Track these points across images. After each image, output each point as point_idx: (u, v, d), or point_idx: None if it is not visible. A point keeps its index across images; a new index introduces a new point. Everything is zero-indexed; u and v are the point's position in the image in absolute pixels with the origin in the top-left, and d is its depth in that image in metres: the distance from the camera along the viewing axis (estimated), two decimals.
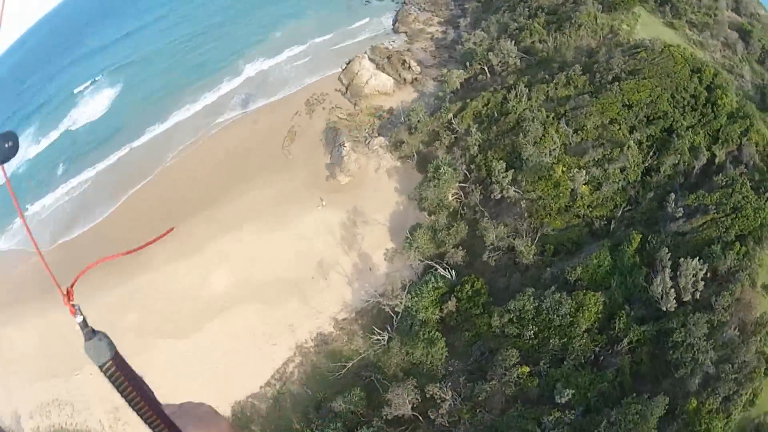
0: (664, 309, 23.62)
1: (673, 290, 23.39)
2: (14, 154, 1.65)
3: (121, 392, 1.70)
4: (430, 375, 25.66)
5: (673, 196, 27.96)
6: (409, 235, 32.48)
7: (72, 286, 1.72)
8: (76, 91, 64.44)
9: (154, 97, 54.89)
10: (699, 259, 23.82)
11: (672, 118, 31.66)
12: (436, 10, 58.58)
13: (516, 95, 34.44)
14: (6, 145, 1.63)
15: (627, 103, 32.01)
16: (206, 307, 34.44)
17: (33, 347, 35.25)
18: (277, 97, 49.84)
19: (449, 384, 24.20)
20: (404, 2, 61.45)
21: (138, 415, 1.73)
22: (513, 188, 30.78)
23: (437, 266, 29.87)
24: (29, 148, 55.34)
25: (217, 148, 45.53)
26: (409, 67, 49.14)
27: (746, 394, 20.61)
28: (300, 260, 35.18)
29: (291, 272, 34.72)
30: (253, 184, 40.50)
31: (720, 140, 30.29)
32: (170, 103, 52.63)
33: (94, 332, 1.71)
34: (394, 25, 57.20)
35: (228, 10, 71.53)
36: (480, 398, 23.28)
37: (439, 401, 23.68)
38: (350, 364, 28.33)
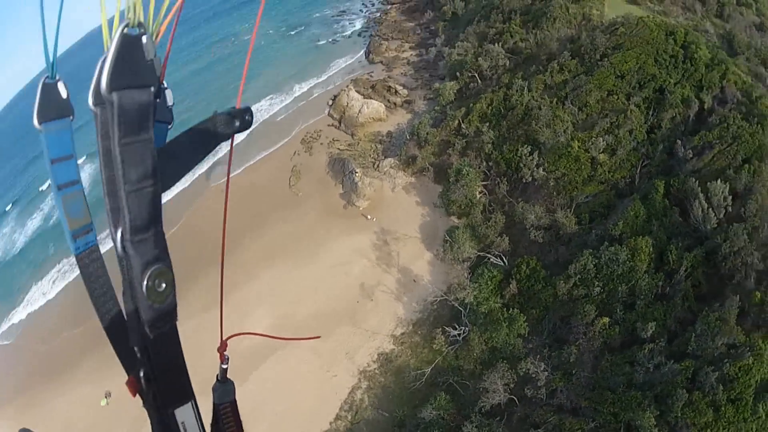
0: (705, 230, 27.94)
1: (710, 210, 27.86)
2: (249, 126, 1.89)
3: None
4: (514, 357, 27.96)
5: (679, 143, 32.46)
6: (448, 238, 35.09)
7: (230, 338, 2.19)
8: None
9: None
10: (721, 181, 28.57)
11: (660, 79, 36.16)
12: (404, 37, 63.82)
13: (517, 90, 38.43)
14: (246, 117, 1.87)
15: (619, 74, 36.56)
16: (251, 353, 34.01)
17: None
18: (273, 148, 52.07)
19: (537, 358, 26.58)
20: (371, 35, 66.49)
21: None
22: (541, 168, 34.10)
23: (489, 255, 32.49)
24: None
25: (221, 203, 47.16)
26: (396, 91, 53.36)
27: None
28: (340, 288, 36.86)
29: (333, 301, 36.25)
30: (269, 227, 42.55)
31: (704, 87, 34.89)
32: None
33: (227, 378, 2.14)
34: (367, 57, 61.90)
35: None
36: (571, 360, 25.68)
37: (533, 376, 25.96)
38: (428, 370, 30.06)
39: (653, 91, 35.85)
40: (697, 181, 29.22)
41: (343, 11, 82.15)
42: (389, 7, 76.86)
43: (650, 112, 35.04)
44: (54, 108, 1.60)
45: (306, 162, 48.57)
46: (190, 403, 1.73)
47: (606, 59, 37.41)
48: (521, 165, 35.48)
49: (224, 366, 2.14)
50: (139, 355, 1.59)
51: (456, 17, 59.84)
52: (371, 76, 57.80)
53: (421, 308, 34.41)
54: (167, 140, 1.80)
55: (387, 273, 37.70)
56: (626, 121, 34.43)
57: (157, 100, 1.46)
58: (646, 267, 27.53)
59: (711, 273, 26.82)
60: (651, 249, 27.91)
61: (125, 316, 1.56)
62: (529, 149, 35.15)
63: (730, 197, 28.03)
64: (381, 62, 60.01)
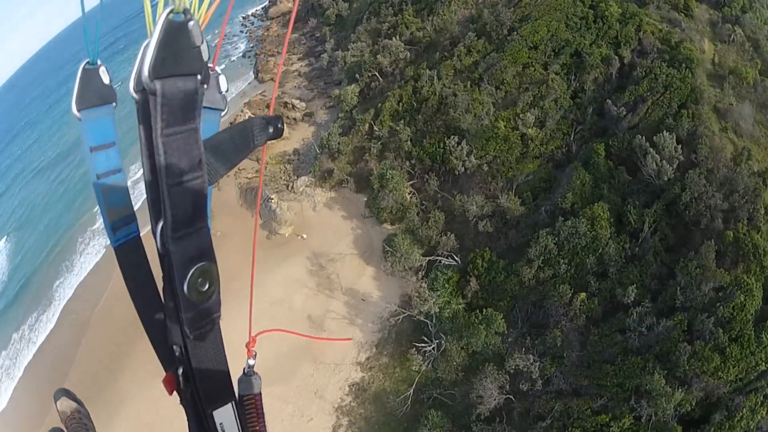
0: (659, 183, 27.37)
1: (663, 162, 27.25)
2: (281, 135, 1.90)
3: (244, 425, 1.92)
4: (496, 356, 26.04)
5: (609, 102, 31.84)
6: (388, 248, 32.37)
7: (259, 334, 2.28)
8: None
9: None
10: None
11: (575, 42, 35.45)
12: (291, 50, 60.49)
13: (426, 80, 36.45)
14: (278, 125, 1.87)
15: (531, 45, 35.62)
16: None
17: None
18: None
19: (522, 351, 24.54)
20: (256, 54, 62.82)
21: None
22: (471, 156, 32.14)
23: (439, 258, 30.03)
24: None
25: None
26: (293, 106, 50.16)
27: (761, 206, 25.09)
28: (285, 325, 32.91)
29: (285, 341, 32.66)
30: None
31: (621, 43, 34.58)
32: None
33: (254, 372, 2.17)
34: (256, 76, 58.18)
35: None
36: (558, 344, 23.87)
37: (525, 369, 24.13)
38: (411, 391, 27.46)
39: (570, 56, 35.07)
40: (643, 137, 28.66)
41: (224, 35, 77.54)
42: (269, 22, 73.51)
43: (571, 78, 34.22)
44: (95, 94, 1.60)
45: (215, 199, 42.60)
46: (230, 404, 1.67)
47: (515, 33, 36.28)
48: (450, 157, 33.37)
49: (251, 362, 2.19)
50: (178, 353, 1.53)
51: (341, 19, 57.49)
52: (264, 95, 54.19)
53: (379, 327, 31.72)
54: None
55: (332, 298, 34.48)
56: (549, 91, 33.37)
57: (205, 86, 1.33)
58: (608, 233, 26.41)
59: (675, 224, 26.37)
60: (608, 214, 26.86)
61: (165, 313, 1.50)
62: (456, 139, 33.00)
63: (679, 146, 27.58)
64: (271, 79, 56.51)
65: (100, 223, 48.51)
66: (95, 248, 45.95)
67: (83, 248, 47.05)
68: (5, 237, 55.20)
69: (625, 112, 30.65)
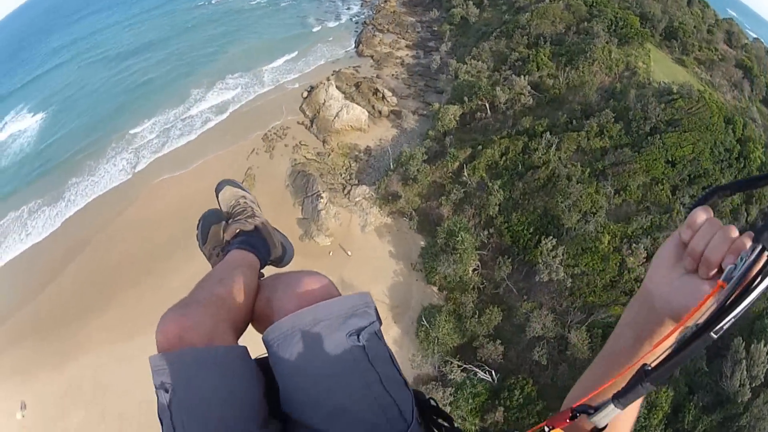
0: (728, 390, 23.46)
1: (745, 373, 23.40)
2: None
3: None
4: None
5: None
6: (425, 322, 27.56)
7: None
8: None
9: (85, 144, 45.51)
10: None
11: (713, 176, 29.94)
12: (402, 32, 55.15)
13: (545, 145, 30.84)
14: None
15: (671, 159, 29.86)
16: None
17: None
18: (229, 146, 41.99)
19: None
20: (364, 23, 57.27)
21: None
22: (562, 268, 26.74)
23: (475, 370, 25.11)
24: None
25: (160, 208, 37.05)
26: (383, 97, 44.99)
27: None
28: None
29: None
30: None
31: (753, 198, 29.73)
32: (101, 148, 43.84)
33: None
34: (357, 47, 52.86)
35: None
36: None
37: None
38: None
39: (702, 189, 29.40)
40: (744, 342, 23.88)
41: None
42: None
43: None
44: None
45: (264, 166, 39.52)
46: None
47: (658, 136, 30.44)
48: (537, 254, 28.02)
49: None
50: None
51: (466, 23, 51.39)
52: (357, 71, 48.97)
53: None
54: None
55: None
56: (669, 223, 27.65)
57: None
58: (658, 423, 22.04)
59: None
60: (668, 404, 22.55)
61: None
62: (553, 242, 27.50)
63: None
64: (371, 57, 51.00)
65: (141, 130, 44.74)
66: (123, 163, 41.93)
67: (113, 155, 43.17)
68: (44, 112, 51.69)
69: None
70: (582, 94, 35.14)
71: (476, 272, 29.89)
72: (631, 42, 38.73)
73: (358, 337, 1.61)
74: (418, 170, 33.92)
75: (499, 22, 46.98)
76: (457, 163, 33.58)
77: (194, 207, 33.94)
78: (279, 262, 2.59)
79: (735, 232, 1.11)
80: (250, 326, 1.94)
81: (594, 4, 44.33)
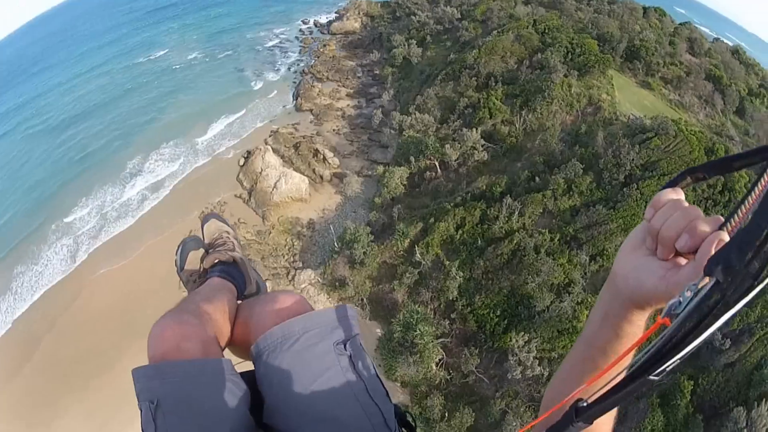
0: None
1: None
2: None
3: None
4: None
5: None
6: None
7: None
8: None
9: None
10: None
11: None
12: (342, 80, 50.97)
13: (506, 212, 26.49)
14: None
15: None
16: None
17: None
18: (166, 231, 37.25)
19: None
20: (303, 72, 53.15)
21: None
22: (537, 362, 22.23)
23: None
24: None
25: (103, 300, 32.48)
26: (324, 159, 40.52)
27: None
28: None
29: None
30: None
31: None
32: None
33: None
34: (295, 100, 48.40)
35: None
36: None
37: None
38: None
39: None
40: (738, 388, 21.14)
41: (279, 34, 69.31)
42: (329, 37, 63.57)
43: None
44: None
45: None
46: None
47: (635, 185, 26.22)
48: (507, 345, 23.43)
49: None
50: None
51: (409, 65, 47.14)
52: (296, 128, 44.50)
53: None
54: None
55: None
56: None
57: None
58: None
59: None
60: None
61: None
62: (525, 338, 22.92)
63: None
64: (310, 111, 46.58)
65: (80, 214, 39.83)
66: (64, 251, 36.81)
67: (54, 240, 38.11)
68: None
69: (729, 344, 22.02)
70: (543, 140, 30.96)
71: (441, 364, 25.24)
72: (592, 71, 34.81)
73: (344, 347, 1.65)
74: (364, 253, 29.22)
75: (443, 61, 42.83)
76: (407, 241, 29.03)
77: (136, 302, 29.50)
78: None
79: (697, 211, 1.02)
80: None
81: (546, 30, 40.59)
